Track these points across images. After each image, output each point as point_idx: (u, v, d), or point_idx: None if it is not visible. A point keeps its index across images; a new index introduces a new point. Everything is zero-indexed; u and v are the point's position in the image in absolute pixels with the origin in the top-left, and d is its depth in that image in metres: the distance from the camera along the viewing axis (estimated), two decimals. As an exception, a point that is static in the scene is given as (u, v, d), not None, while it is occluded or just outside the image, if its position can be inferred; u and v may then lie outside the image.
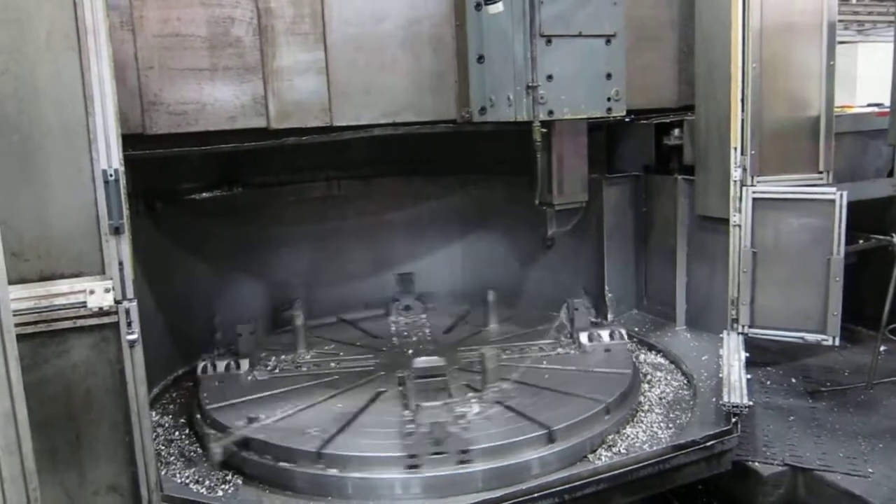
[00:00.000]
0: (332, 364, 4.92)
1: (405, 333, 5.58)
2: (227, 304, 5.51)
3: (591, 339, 5.05)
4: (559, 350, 4.99)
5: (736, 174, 4.55)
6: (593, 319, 5.42)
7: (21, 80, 2.77)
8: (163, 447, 4.10)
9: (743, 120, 4.51)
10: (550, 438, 3.74)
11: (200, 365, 4.72)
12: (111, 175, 2.92)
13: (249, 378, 4.65)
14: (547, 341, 5.12)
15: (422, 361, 4.07)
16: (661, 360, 5.16)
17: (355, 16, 4.47)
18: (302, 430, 3.85)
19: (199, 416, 4.27)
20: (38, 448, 2.21)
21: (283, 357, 5.01)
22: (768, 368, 5.12)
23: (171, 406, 4.73)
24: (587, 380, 4.48)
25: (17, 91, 2.77)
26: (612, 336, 5.08)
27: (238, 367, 4.71)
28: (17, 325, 2.15)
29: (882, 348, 4.87)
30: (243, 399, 4.29)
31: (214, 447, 3.76)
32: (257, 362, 4.81)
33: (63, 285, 2.90)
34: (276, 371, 4.80)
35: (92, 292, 2.93)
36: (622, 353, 4.90)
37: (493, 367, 4.25)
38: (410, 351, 5.13)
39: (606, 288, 5.85)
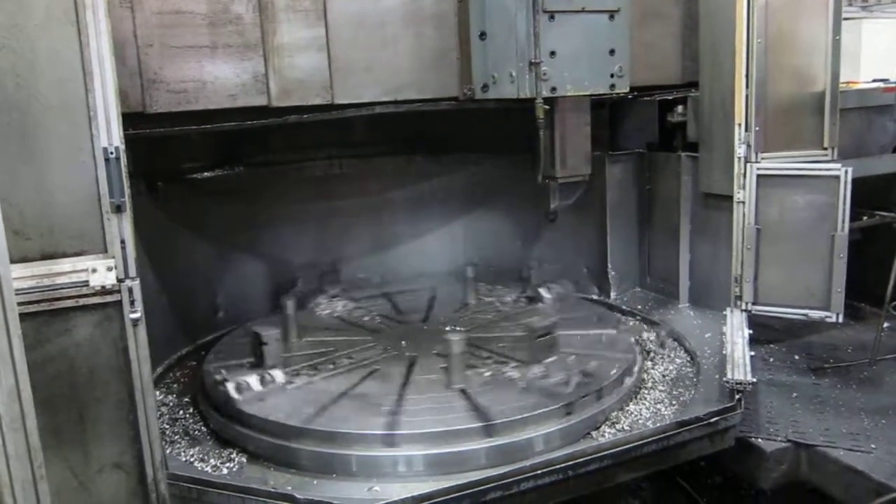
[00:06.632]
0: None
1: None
2: (229, 283, 5.52)
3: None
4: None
5: (740, 151, 4.52)
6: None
7: (20, 56, 2.74)
8: (167, 426, 4.12)
9: (747, 96, 4.48)
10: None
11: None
12: (112, 153, 2.89)
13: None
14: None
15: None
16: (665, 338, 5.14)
17: (356, -9, 4.41)
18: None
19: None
20: (43, 426, 2.20)
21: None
22: (771, 345, 5.13)
23: (175, 385, 4.74)
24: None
25: (16, 67, 2.74)
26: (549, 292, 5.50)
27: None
28: (19, 303, 2.13)
29: (885, 325, 4.86)
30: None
31: None
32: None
33: (65, 264, 2.89)
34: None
35: (94, 271, 2.92)
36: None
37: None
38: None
39: (609, 265, 5.85)
